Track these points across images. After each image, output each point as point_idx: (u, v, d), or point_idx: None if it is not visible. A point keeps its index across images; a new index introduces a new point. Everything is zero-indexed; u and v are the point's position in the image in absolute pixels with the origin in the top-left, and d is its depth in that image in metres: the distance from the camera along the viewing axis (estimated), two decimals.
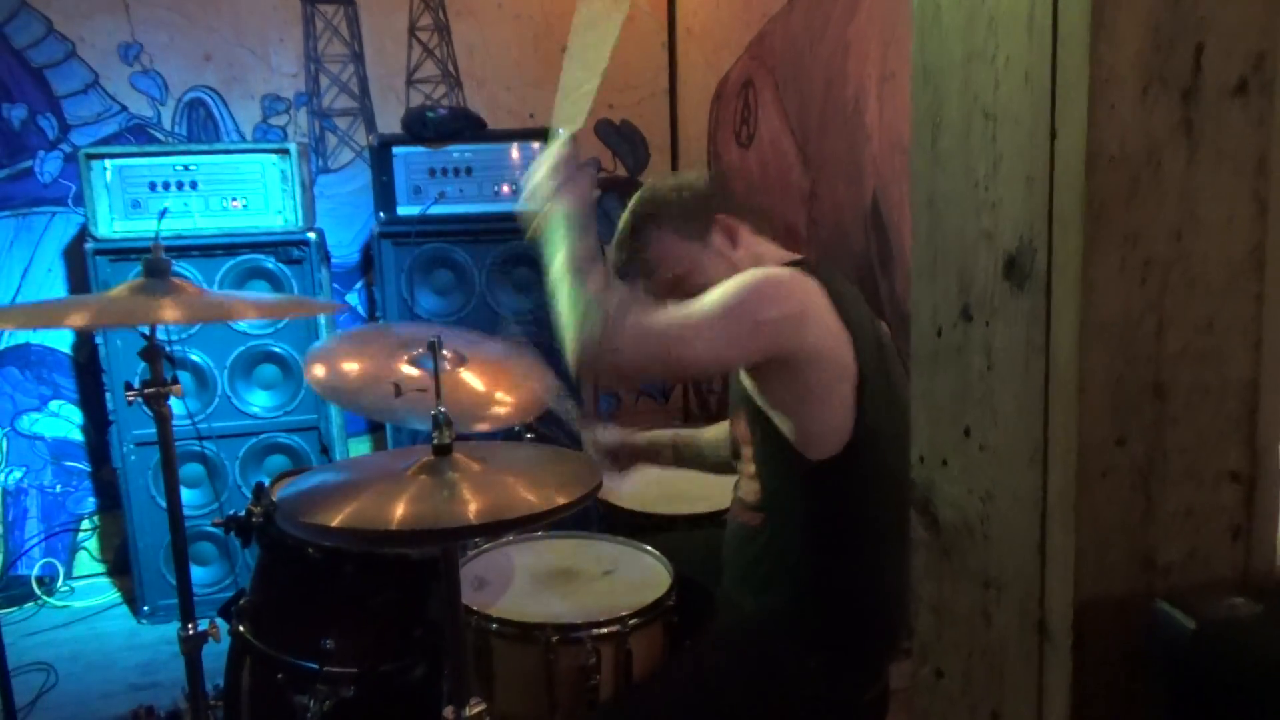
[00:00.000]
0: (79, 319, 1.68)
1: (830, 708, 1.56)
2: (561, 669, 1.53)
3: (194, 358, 3.09)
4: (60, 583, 3.48)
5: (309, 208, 3.23)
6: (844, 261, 2.82)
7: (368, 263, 3.65)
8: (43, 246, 3.39)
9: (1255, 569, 0.76)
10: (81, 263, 3.08)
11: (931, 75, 0.84)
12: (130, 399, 1.76)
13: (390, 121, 3.56)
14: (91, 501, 3.54)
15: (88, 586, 3.50)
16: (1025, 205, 0.74)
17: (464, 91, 3.70)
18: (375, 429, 3.68)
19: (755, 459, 1.60)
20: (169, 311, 1.66)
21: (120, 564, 3.48)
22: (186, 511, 2.50)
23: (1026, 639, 0.78)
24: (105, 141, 3.36)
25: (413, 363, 1.76)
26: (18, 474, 3.45)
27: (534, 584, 1.73)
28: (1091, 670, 0.74)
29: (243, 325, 3.10)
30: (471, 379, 1.80)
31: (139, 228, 3.00)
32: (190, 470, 3.09)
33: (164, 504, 2.15)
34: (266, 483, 2.01)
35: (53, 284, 3.42)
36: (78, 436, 3.50)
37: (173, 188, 3.04)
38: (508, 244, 3.20)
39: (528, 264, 3.23)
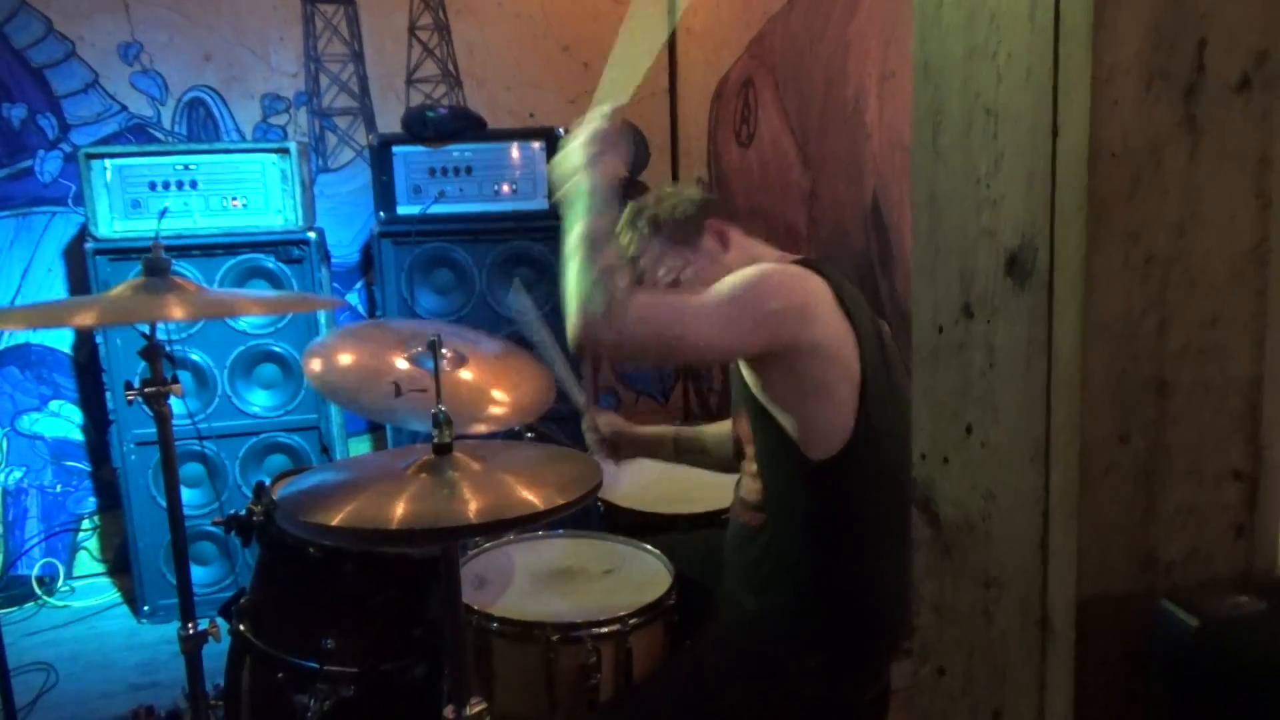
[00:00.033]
0: (81, 318, 1.68)
1: (830, 708, 1.56)
2: (562, 668, 1.53)
3: (194, 357, 3.08)
4: (60, 583, 3.48)
5: (309, 207, 3.23)
6: (844, 260, 2.81)
7: (368, 262, 3.65)
8: (43, 246, 3.39)
9: (1258, 567, 0.75)
10: (81, 262, 3.08)
11: (932, 72, 0.84)
12: (130, 398, 1.76)
13: (390, 121, 3.55)
14: (91, 501, 3.54)
15: (88, 586, 3.50)
16: (1027, 202, 0.73)
17: (464, 91, 3.70)
18: (375, 429, 3.68)
19: (757, 458, 1.60)
20: (172, 309, 1.66)
21: (120, 564, 3.48)
22: (186, 511, 2.50)
23: (1028, 637, 0.77)
24: (105, 141, 3.36)
25: (412, 362, 1.75)
26: (18, 474, 3.45)
27: (534, 583, 1.73)
28: (1093, 669, 0.73)
29: (243, 324, 3.10)
30: (471, 378, 1.80)
31: (139, 227, 3.00)
32: (190, 470, 3.09)
33: (164, 504, 2.15)
34: (267, 482, 2.01)
35: (53, 284, 3.42)
36: (78, 436, 3.50)
37: (173, 187, 3.04)
38: (508, 243, 3.20)
39: (528, 263, 3.23)
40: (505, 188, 3.20)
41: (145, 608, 3.15)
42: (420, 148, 3.16)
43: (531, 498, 1.28)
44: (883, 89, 2.62)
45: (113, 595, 3.44)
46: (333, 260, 3.51)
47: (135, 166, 3.01)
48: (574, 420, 2.02)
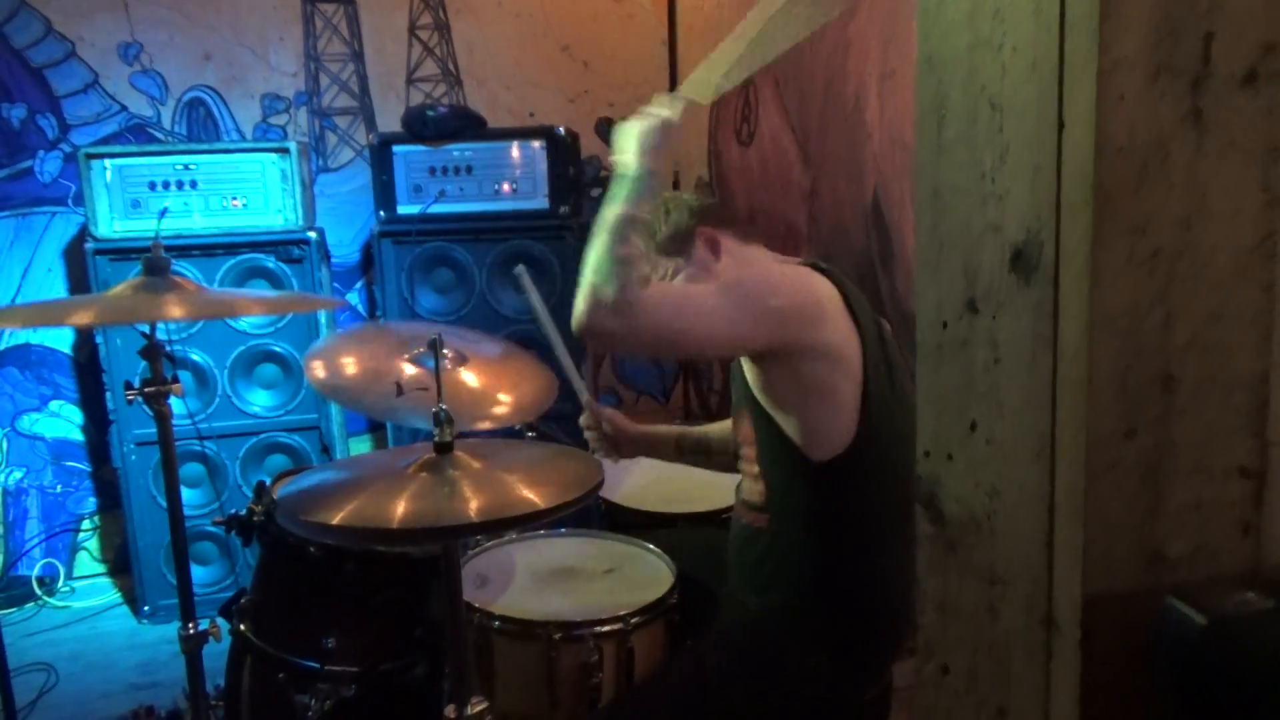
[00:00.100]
0: (80, 318, 1.68)
1: (832, 707, 1.56)
2: (563, 667, 1.52)
3: (194, 357, 3.08)
4: (60, 583, 3.47)
5: (309, 207, 3.22)
6: (844, 259, 2.81)
7: (368, 262, 3.64)
8: (43, 246, 3.39)
9: (1265, 564, 0.75)
10: (81, 262, 3.08)
11: (936, 65, 0.83)
12: (130, 398, 1.76)
13: (390, 120, 3.55)
14: (92, 501, 3.53)
15: (88, 586, 3.49)
16: (1032, 196, 0.73)
17: (464, 90, 3.70)
18: (376, 428, 3.68)
19: (759, 460, 1.60)
20: (172, 309, 1.66)
21: (120, 564, 3.48)
22: (187, 511, 2.50)
23: (1033, 634, 0.77)
24: (105, 141, 3.35)
25: (414, 361, 1.75)
26: (18, 474, 3.45)
27: (536, 582, 1.73)
28: (1099, 666, 0.73)
29: (243, 324, 3.10)
30: (472, 378, 1.80)
31: (139, 227, 3.00)
32: (190, 470, 3.09)
33: (164, 504, 2.14)
34: (267, 482, 2.01)
35: (53, 284, 3.41)
36: (78, 436, 3.50)
37: (173, 187, 3.03)
38: (508, 243, 3.19)
39: (528, 262, 3.22)
40: (505, 187, 3.19)
41: (145, 608, 3.15)
42: (420, 147, 3.15)
43: (533, 496, 1.28)
44: (883, 87, 2.61)
45: (113, 595, 3.43)
46: (333, 260, 3.50)
47: (135, 166, 3.01)
48: (575, 419, 2.01)
